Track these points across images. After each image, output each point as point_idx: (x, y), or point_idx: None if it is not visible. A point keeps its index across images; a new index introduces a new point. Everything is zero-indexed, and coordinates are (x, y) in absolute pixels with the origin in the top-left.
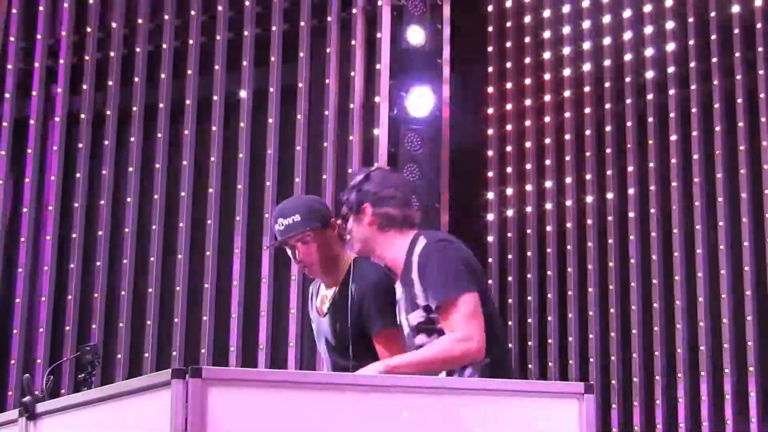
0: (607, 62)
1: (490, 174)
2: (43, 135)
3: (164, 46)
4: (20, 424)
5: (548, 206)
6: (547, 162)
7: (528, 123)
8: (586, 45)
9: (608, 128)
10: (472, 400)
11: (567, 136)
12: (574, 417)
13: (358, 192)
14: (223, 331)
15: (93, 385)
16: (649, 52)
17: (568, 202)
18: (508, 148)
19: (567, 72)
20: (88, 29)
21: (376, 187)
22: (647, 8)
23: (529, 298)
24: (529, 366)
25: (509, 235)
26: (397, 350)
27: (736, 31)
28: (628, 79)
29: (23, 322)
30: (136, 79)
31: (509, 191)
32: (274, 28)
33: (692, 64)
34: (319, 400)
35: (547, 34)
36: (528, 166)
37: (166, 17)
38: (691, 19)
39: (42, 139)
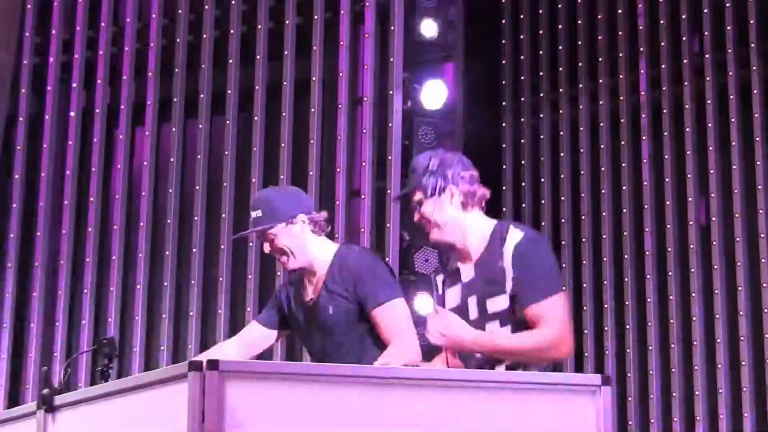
0: (621, 54)
1: (504, 166)
2: (58, 130)
3: (178, 40)
4: (39, 416)
5: (563, 198)
6: (562, 154)
7: (542, 116)
8: (601, 36)
9: (623, 120)
10: (489, 393)
11: (581, 128)
12: (591, 409)
13: (437, 175)
14: (238, 325)
15: (110, 378)
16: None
17: (583, 194)
18: (523, 141)
19: (581, 64)
20: (102, 24)
21: (454, 167)
22: None
23: None
24: None
25: None
26: (396, 322)
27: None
28: (642, 71)
29: (40, 317)
30: (150, 74)
31: (524, 183)
32: (287, 21)
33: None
34: (336, 393)
35: (561, 25)
36: (542, 158)
37: (180, 12)
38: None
39: (57, 134)
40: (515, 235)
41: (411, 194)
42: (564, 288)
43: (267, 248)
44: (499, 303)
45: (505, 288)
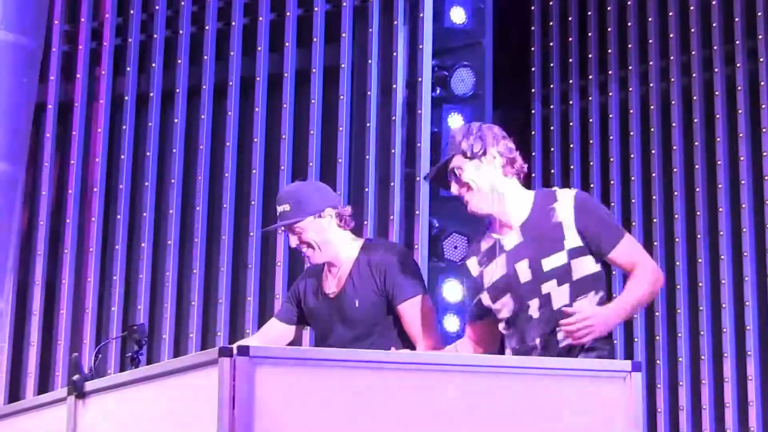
0: (651, 40)
1: (534, 153)
2: (87, 117)
3: (207, 27)
4: (69, 402)
5: (592, 185)
6: (591, 141)
7: (571, 102)
8: (630, 23)
9: (652, 107)
10: (520, 379)
11: (611, 115)
12: (621, 395)
13: (478, 137)
14: (267, 312)
15: (140, 364)
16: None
17: (612, 181)
18: (552, 128)
19: (610, 51)
20: (131, 11)
21: (497, 135)
22: None
23: None
24: None
25: None
26: (422, 318)
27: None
28: (672, 57)
29: (70, 304)
30: (180, 61)
31: (553, 170)
32: (316, 8)
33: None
34: (366, 378)
35: (590, 12)
36: (571, 146)
37: None
38: None
39: (87, 122)
40: (567, 192)
41: (449, 163)
42: None
43: (294, 242)
44: (556, 260)
45: (563, 244)
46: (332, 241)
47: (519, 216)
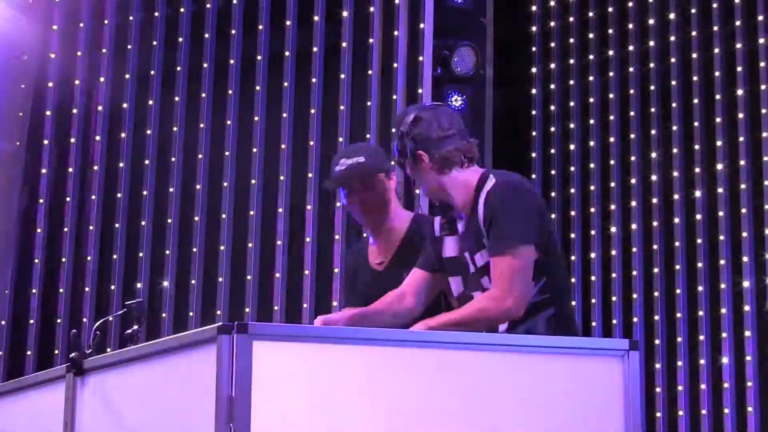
0: (651, 21)
1: (534, 133)
2: (88, 95)
3: (208, 6)
4: (68, 379)
5: (592, 165)
6: (591, 121)
7: (572, 82)
8: (631, 3)
9: (652, 87)
10: (516, 357)
11: (611, 95)
12: (619, 374)
13: (410, 139)
14: (267, 291)
15: (139, 342)
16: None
17: (612, 161)
18: (552, 108)
19: (611, 31)
20: None
21: (428, 131)
22: None
23: (572, 258)
24: None
25: (553, 194)
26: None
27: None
28: (672, 38)
29: (69, 282)
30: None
31: (553, 150)
32: None
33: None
34: (364, 355)
35: None
36: (572, 126)
37: None
38: None
39: (87, 99)
40: (489, 182)
41: (393, 157)
42: (529, 241)
43: (352, 202)
44: (483, 257)
45: (483, 242)
46: (390, 206)
47: (465, 205)
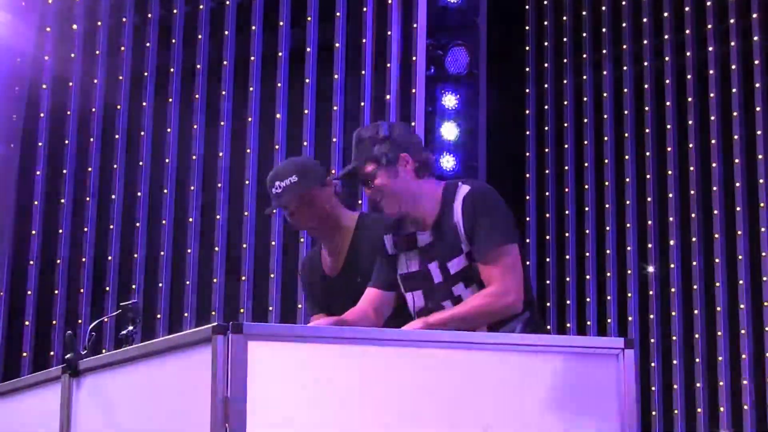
0: (645, 19)
1: (528, 132)
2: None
3: (201, 7)
4: (63, 380)
5: (586, 164)
6: (585, 120)
7: (566, 81)
8: (624, 2)
9: (646, 86)
10: (512, 356)
11: (605, 94)
12: (614, 373)
13: (392, 142)
14: (262, 291)
15: (134, 342)
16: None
17: (606, 160)
18: (546, 107)
19: (604, 30)
20: None
21: (409, 135)
22: None
23: (567, 256)
24: (568, 325)
25: (547, 193)
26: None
27: None
28: (666, 36)
29: (64, 283)
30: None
31: (547, 149)
32: None
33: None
34: (359, 355)
35: None
36: (566, 125)
37: None
38: None
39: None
40: (462, 189)
41: (361, 168)
42: (516, 240)
43: (295, 221)
44: (458, 263)
45: (461, 247)
46: (334, 212)
47: (431, 215)
